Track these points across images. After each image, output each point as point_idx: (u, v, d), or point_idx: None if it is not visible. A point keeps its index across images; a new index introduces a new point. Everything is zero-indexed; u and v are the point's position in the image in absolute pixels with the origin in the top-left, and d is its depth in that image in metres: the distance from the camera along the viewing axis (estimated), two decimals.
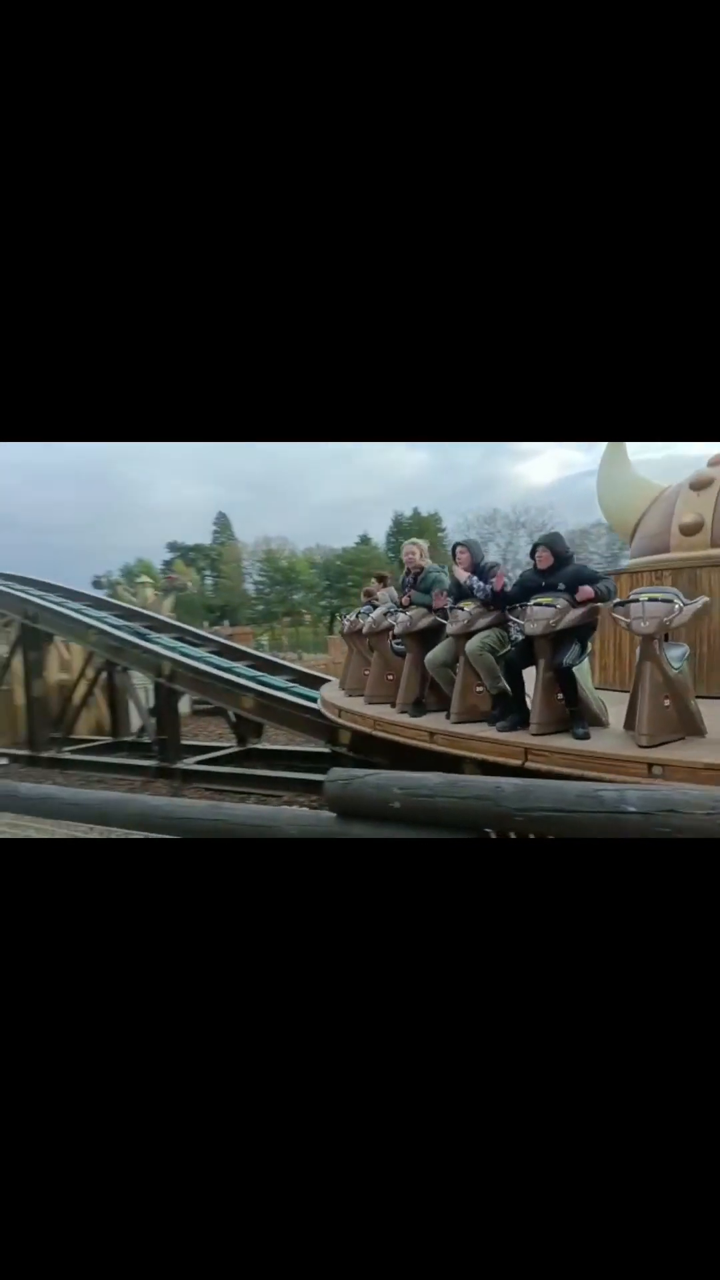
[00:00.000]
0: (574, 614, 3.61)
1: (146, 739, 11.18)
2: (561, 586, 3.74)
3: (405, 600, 4.99)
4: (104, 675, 12.22)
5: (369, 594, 6.86)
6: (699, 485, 5.77)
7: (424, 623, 4.67)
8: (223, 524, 55.02)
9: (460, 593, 4.36)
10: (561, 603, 3.61)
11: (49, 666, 12.10)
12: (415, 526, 57.77)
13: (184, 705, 11.49)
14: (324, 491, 77.73)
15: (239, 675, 9.14)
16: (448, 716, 4.34)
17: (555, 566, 3.86)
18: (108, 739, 12.61)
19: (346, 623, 6.45)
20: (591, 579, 3.70)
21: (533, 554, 4.00)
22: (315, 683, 9.70)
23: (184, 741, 10.17)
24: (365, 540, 55.83)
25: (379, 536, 58.40)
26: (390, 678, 5.45)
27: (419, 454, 79.66)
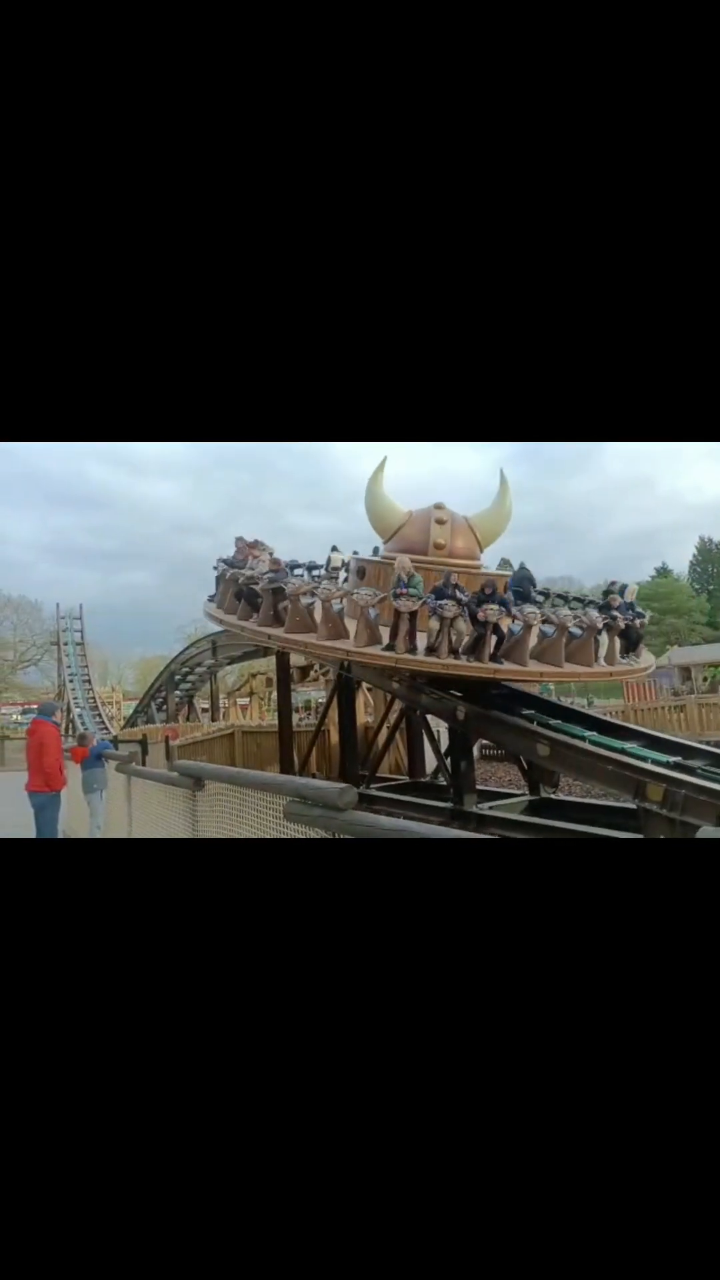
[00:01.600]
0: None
1: (441, 781, 11.68)
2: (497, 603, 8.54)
3: (402, 592, 8.69)
4: (402, 719, 13.23)
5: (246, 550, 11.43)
6: (439, 521, 10.52)
7: (415, 606, 8.59)
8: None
9: (440, 594, 8.51)
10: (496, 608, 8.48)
11: (358, 711, 13.59)
12: None
13: (474, 750, 11.74)
14: (617, 523, 73.15)
15: (533, 721, 9.01)
16: (430, 654, 8.61)
17: (493, 593, 8.68)
18: (405, 779, 13.52)
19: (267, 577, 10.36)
20: (504, 604, 8.58)
21: (481, 588, 8.70)
22: (618, 731, 9.02)
23: (477, 787, 10.34)
24: (664, 571, 50.38)
25: (680, 566, 52.21)
26: (298, 619, 9.67)
27: None
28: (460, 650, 8.56)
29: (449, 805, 9.93)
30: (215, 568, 11.67)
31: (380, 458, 10.82)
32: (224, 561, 11.56)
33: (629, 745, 8.20)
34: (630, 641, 9.58)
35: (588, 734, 8.60)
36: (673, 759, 7.73)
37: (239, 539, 11.60)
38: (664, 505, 70.28)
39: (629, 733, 9.05)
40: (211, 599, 12.18)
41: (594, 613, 9.27)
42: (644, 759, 7.64)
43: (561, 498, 76.29)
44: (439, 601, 8.47)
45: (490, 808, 9.70)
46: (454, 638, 8.52)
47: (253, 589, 10.08)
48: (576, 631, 8.91)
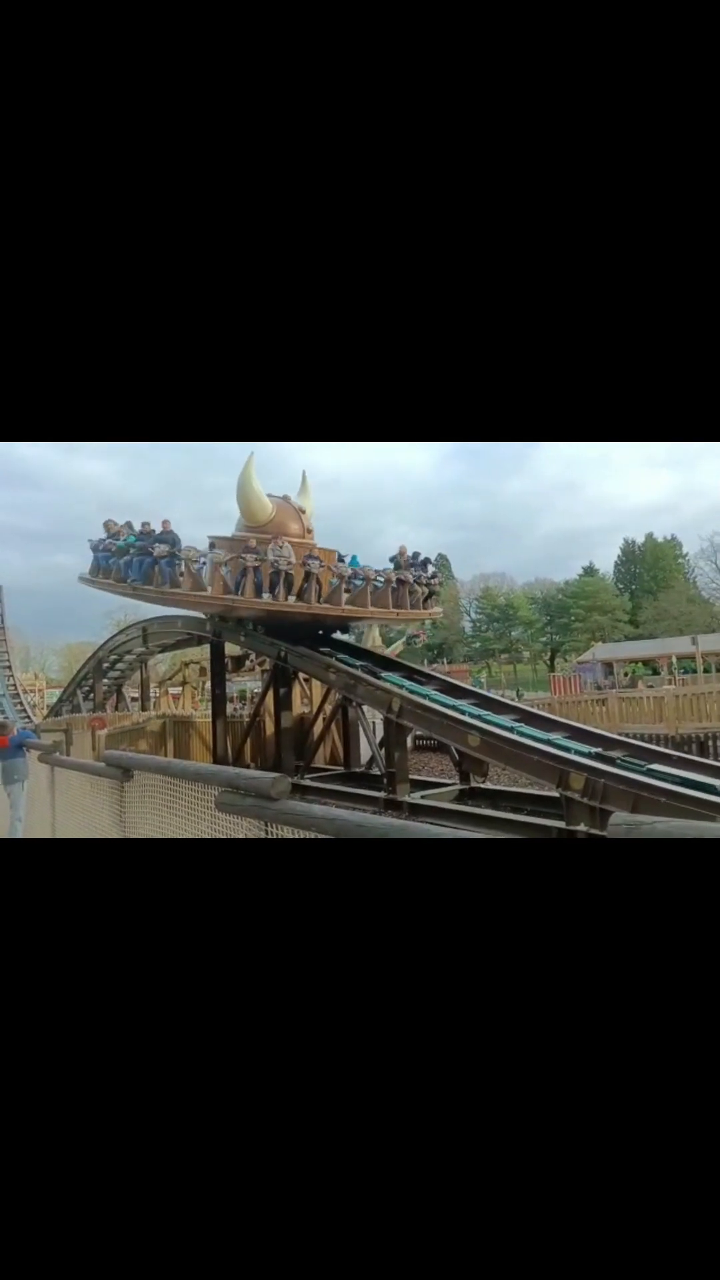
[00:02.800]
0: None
1: (375, 771, 11.84)
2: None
3: (403, 566, 12.93)
4: (338, 711, 13.29)
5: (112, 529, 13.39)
6: (302, 511, 13.33)
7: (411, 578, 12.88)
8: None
9: (409, 565, 13.29)
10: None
11: (294, 701, 13.55)
12: (649, 553, 52.95)
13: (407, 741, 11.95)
14: (548, 524, 75.62)
15: (465, 713, 9.26)
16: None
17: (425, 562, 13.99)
18: (340, 769, 13.60)
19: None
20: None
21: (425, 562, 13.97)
22: (544, 723, 9.39)
23: (411, 776, 10.54)
24: (590, 571, 52.68)
25: (606, 566, 54.71)
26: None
27: (660, 474, 73.51)
28: (412, 604, 12.77)
29: (383, 794, 10.08)
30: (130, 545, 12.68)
31: (248, 454, 13.34)
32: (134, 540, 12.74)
33: (554, 736, 8.57)
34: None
35: (516, 725, 8.93)
36: (594, 750, 8.14)
37: (109, 521, 13.58)
38: (592, 509, 73.45)
39: (554, 724, 9.46)
40: (95, 575, 13.49)
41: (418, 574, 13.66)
42: (568, 750, 8.01)
43: (498, 497, 78.35)
44: (419, 573, 13.15)
45: (422, 796, 9.91)
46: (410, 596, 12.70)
47: (284, 571, 11.74)
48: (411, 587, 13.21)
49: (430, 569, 13.85)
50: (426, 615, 14.57)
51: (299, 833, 2.11)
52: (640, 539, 53.95)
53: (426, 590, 13.32)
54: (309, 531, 13.20)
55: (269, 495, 13.22)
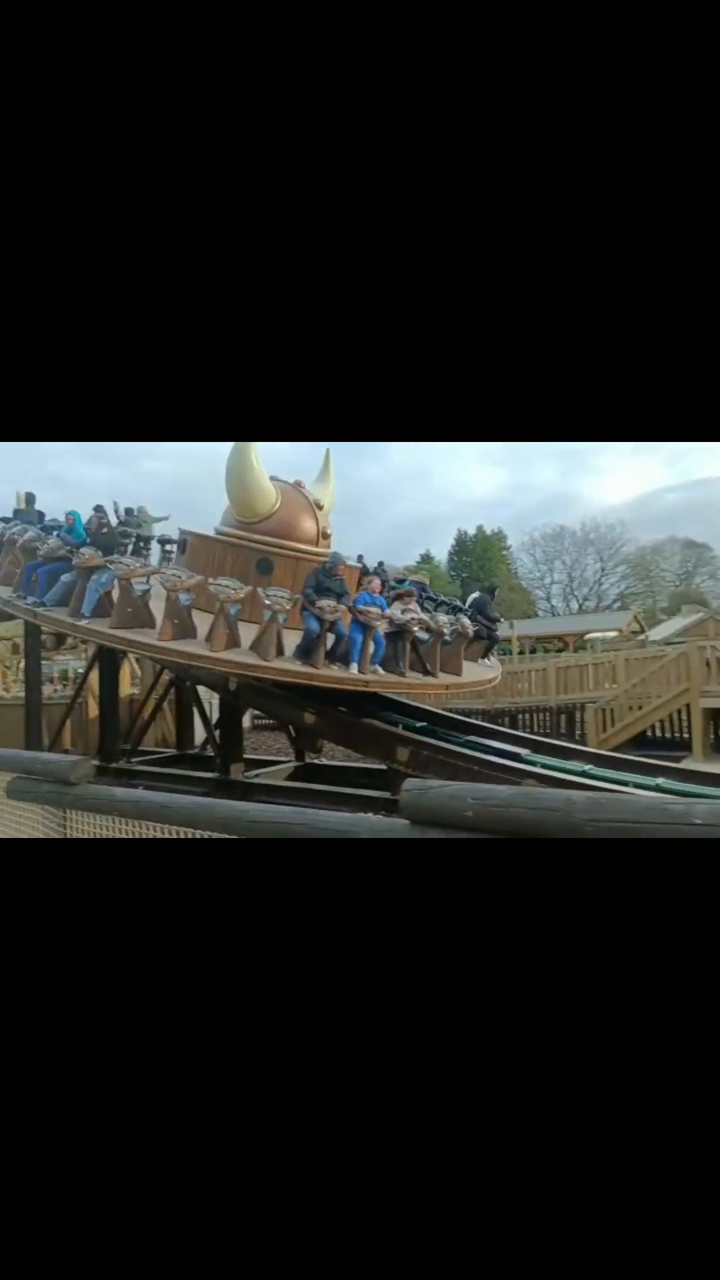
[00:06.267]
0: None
1: (210, 752, 11.51)
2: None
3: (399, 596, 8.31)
4: (171, 691, 12.68)
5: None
6: (316, 505, 9.60)
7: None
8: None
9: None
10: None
11: (123, 681, 12.67)
12: (479, 544, 57.21)
13: (245, 720, 11.79)
14: (398, 511, 78.56)
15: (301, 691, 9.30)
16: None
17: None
18: (172, 751, 13.04)
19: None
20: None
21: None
22: (375, 701, 9.75)
23: (245, 756, 10.41)
24: (427, 559, 55.84)
25: (442, 554, 58.27)
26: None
27: (496, 471, 79.18)
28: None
29: (215, 775, 9.83)
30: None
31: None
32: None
33: (385, 713, 8.97)
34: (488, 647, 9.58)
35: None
36: (421, 724, 8.66)
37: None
38: (437, 498, 77.55)
39: (386, 702, 9.88)
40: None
41: (465, 619, 8.89)
42: (395, 724, 8.43)
43: (348, 479, 79.55)
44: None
45: (255, 775, 9.85)
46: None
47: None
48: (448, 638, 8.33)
49: (488, 610, 9.65)
50: (489, 681, 9.75)
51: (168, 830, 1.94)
52: (472, 530, 58.24)
53: (487, 640, 9.44)
54: (326, 536, 9.46)
55: (303, 489, 9.53)
